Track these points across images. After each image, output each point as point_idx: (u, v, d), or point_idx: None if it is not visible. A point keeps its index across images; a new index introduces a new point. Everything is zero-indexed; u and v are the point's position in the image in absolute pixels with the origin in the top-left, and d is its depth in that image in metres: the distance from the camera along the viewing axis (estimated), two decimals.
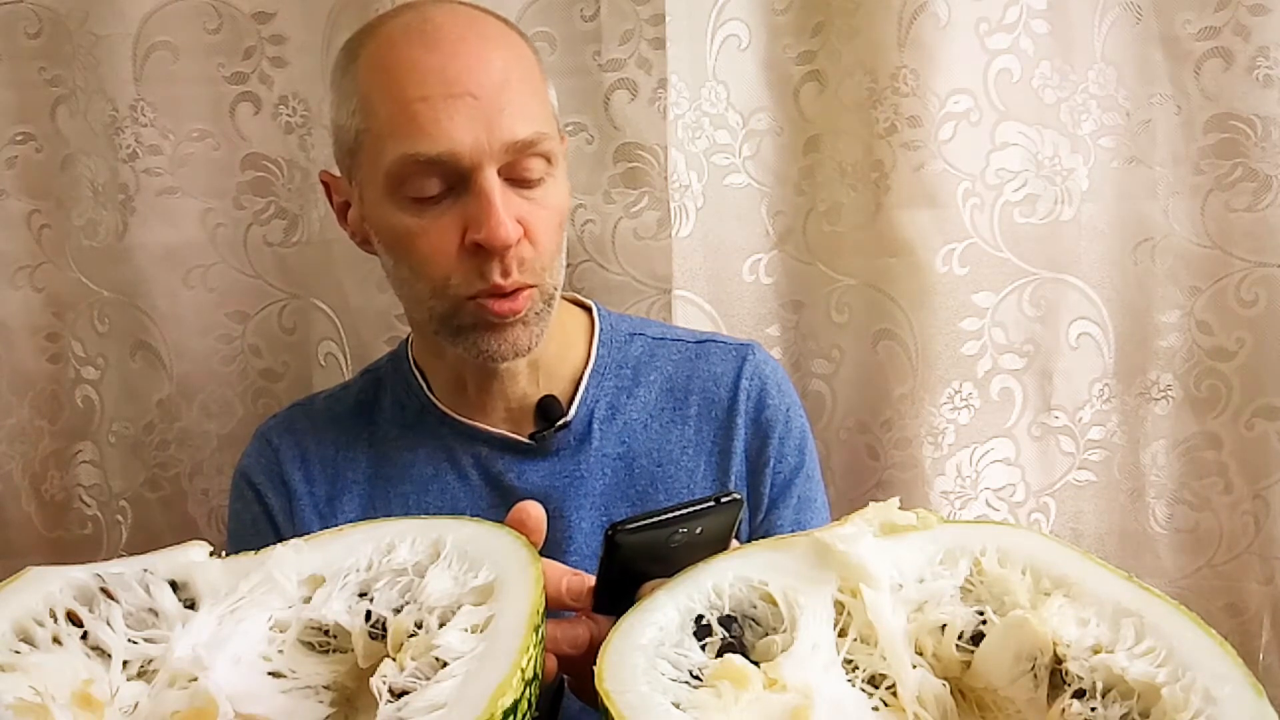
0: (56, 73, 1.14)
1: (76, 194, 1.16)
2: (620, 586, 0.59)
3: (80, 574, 0.55)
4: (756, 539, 0.86)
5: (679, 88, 1.09)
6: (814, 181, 1.13)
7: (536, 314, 0.83)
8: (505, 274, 0.79)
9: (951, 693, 0.53)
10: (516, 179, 0.79)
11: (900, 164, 1.08)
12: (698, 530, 0.58)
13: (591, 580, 0.61)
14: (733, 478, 0.90)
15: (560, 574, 0.60)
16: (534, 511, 0.61)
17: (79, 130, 1.15)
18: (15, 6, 1.12)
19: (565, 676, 0.65)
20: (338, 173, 0.87)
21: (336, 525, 0.82)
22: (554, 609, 0.58)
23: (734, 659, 0.51)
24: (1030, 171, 1.10)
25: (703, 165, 1.12)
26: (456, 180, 0.78)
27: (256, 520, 0.91)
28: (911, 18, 1.05)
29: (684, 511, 0.57)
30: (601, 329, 0.94)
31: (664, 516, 0.56)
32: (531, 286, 0.81)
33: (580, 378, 0.91)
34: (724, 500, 0.58)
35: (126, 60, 1.11)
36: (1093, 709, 0.48)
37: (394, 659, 0.51)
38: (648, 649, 0.51)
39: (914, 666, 0.53)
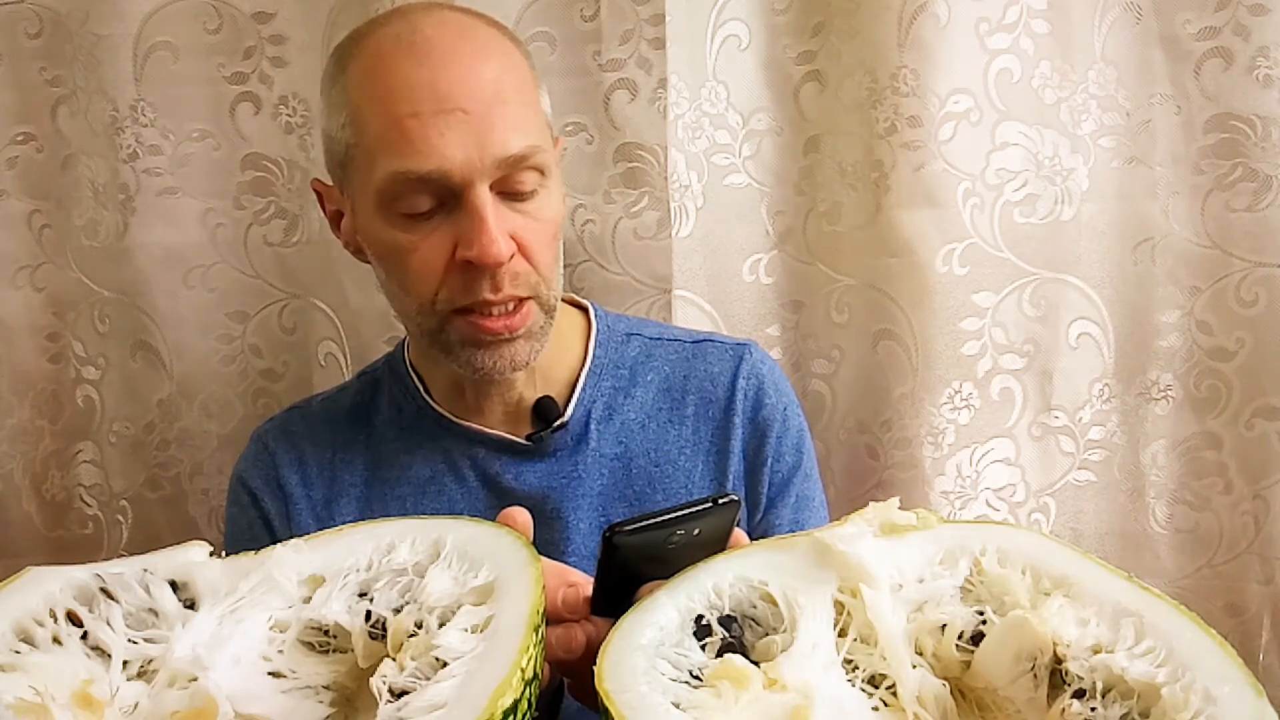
0: (57, 73, 1.14)
1: (77, 194, 1.16)
2: (618, 588, 0.59)
3: (80, 574, 0.55)
4: (755, 538, 0.86)
5: (679, 88, 1.09)
6: (814, 181, 1.13)
7: (539, 328, 0.83)
8: (496, 289, 0.78)
9: (951, 693, 0.53)
10: (509, 192, 0.78)
11: (900, 164, 1.08)
12: (695, 531, 0.58)
13: (588, 591, 0.61)
14: (730, 477, 0.90)
15: (556, 585, 0.60)
16: (520, 518, 0.61)
17: (79, 130, 1.15)
18: (16, 7, 1.13)
19: (565, 679, 0.65)
20: (329, 181, 0.87)
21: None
22: (550, 620, 0.58)
23: (734, 659, 0.51)
24: (1030, 171, 1.10)
25: (703, 165, 1.12)
26: (448, 196, 0.77)
27: (253, 524, 0.91)
28: (911, 18, 1.05)
29: (682, 513, 0.57)
30: (598, 329, 0.94)
31: (662, 518, 0.56)
32: (526, 299, 0.80)
33: (577, 378, 0.91)
34: (721, 501, 0.58)
35: (127, 60, 1.11)
36: (1093, 709, 0.48)
37: (394, 659, 0.51)
38: (648, 649, 0.51)
39: (914, 666, 0.53)
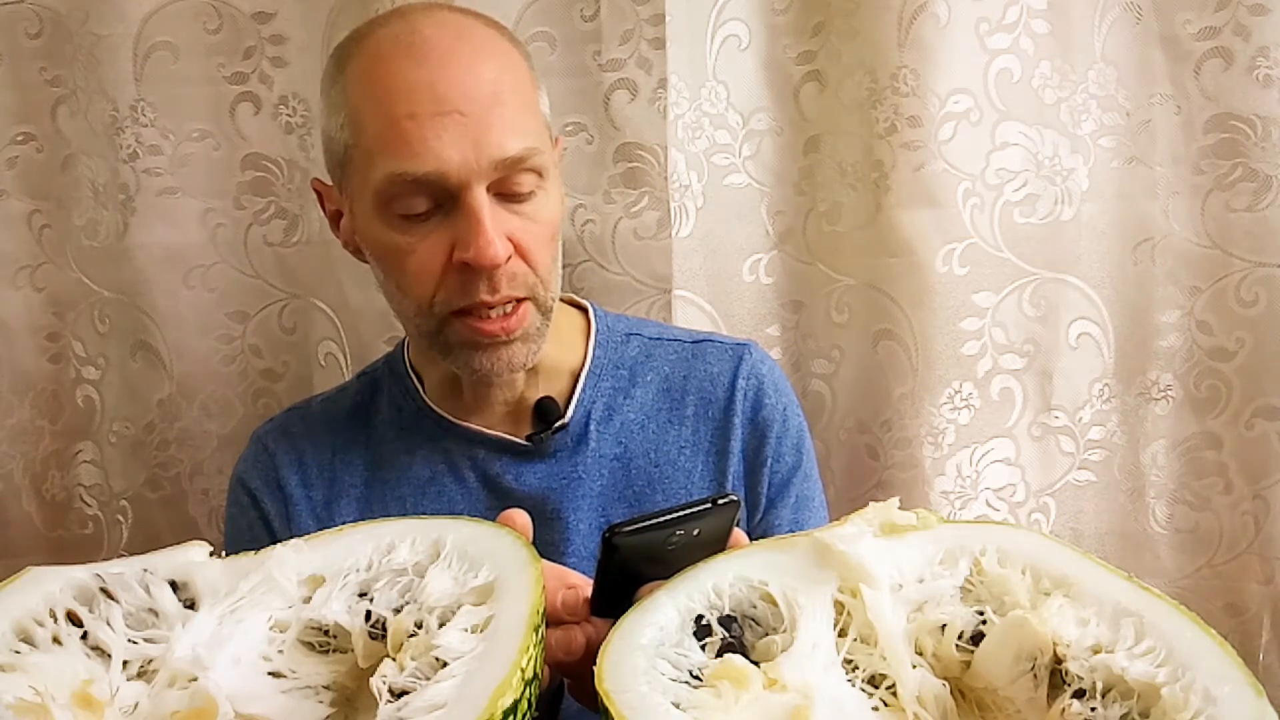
0: (57, 73, 1.14)
1: (77, 194, 1.16)
2: (618, 589, 0.59)
3: (80, 574, 0.55)
4: (755, 539, 0.86)
5: (679, 88, 1.09)
6: (814, 181, 1.13)
7: (536, 329, 0.83)
8: (493, 290, 0.78)
9: (951, 693, 0.53)
10: (507, 194, 0.78)
11: (900, 164, 1.08)
12: (695, 532, 0.58)
13: (587, 592, 0.61)
14: (730, 477, 0.90)
15: (555, 587, 0.60)
16: (519, 519, 0.61)
17: (80, 130, 1.15)
18: (16, 7, 1.13)
19: (565, 679, 0.65)
20: (329, 180, 0.87)
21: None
22: (549, 623, 0.58)
23: (734, 659, 0.51)
24: (1030, 171, 1.10)
25: (703, 165, 1.12)
26: (445, 198, 0.77)
27: (253, 525, 0.91)
28: (911, 18, 1.05)
29: (681, 513, 0.57)
30: (598, 329, 0.94)
31: (661, 518, 0.56)
32: (524, 300, 0.80)
33: (577, 379, 0.91)
34: (721, 501, 0.58)
35: (127, 60, 1.11)
36: (1092, 709, 0.48)
37: (394, 659, 0.51)
38: (648, 649, 0.51)
39: (914, 666, 0.53)
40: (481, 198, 0.76)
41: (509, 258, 0.78)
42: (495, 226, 0.76)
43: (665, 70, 1.08)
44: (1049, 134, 1.09)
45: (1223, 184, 1.08)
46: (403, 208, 0.78)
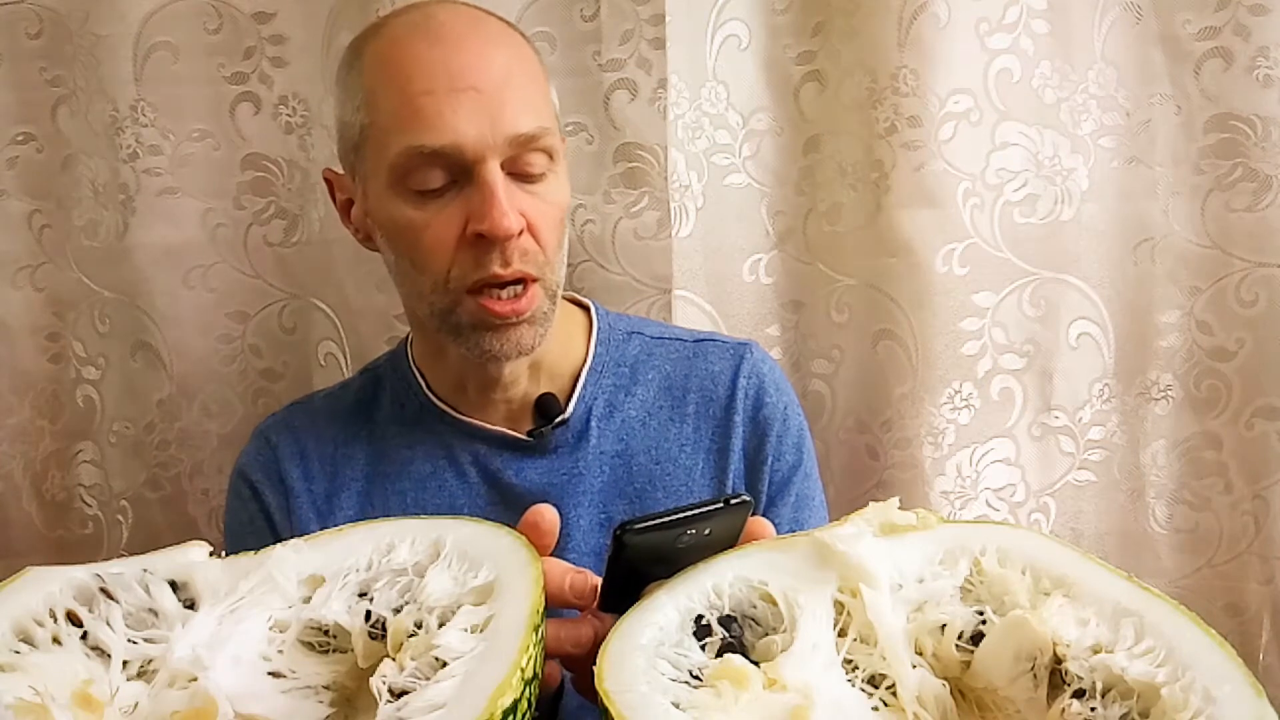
0: (57, 73, 1.14)
1: (77, 194, 1.16)
2: (626, 586, 0.59)
3: (80, 574, 0.55)
4: None
5: (679, 88, 1.09)
6: (814, 181, 1.13)
7: (544, 313, 0.84)
8: (505, 264, 0.79)
9: (951, 693, 0.53)
10: (519, 173, 0.80)
11: (900, 164, 1.08)
12: (706, 531, 0.57)
13: (595, 578, 0.61)
14: (730, 476, 0.90)
15: (563, 572, 0.60)
16: (548, 515, 0.61)
17: (80, 130, 1.15)
18: (16, 6, 1.12)
19: (568, 674, 0.65)
20: (341, 170, 0.88)
21: (335, 523, 0.82)
22: (557, 607, 0.58)
23: (734, 659, 0.51)
24: (1030, 171, 1.10)
25: (703, 165, 1.12)
26: (460, 173, 0.79)
27: (254, 518, 0.91)
28: (911, 18, 1.05)
29: (693, 512, 0.56)
30: (600, 328, 0.94)
31: (673, 517, 0.56)
32: (534, 279, 0.81)
33: (578, 376, 0.91)
34: (733, 502, 0.58)
35: (127, 60, 1.11)
36: (1092, 709, 0.48)
37: (394, 659, 0.51)
38: (647, 649, 0.51)
39: (914, 666, 0.53)
40: (496, 172, 0.78)
41: (521, 231, 0.79)
42: (509, 199, 0.78)
43: (665, 70, 1.08)
44: (1049, 134, 1.09)
45: (1223, 184, 1.08)
46: (418, 182, 0.79)
